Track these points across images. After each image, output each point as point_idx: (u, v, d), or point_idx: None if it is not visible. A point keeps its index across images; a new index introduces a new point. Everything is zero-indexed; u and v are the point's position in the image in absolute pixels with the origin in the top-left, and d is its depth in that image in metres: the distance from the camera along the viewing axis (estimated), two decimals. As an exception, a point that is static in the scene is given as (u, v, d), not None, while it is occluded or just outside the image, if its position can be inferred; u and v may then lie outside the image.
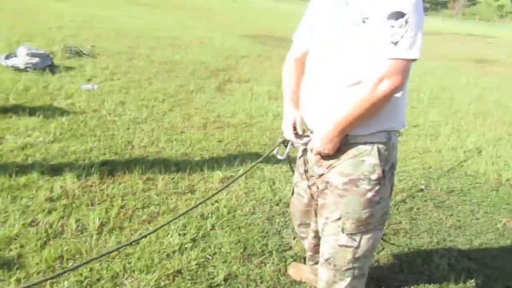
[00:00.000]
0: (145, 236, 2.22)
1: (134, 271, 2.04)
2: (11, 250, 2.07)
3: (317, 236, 1.73)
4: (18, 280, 1.88)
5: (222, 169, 3.20)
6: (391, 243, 2.46)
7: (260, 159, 1.67)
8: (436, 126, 4.85)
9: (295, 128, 1.61)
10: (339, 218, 1.50)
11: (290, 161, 1.92)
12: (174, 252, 2.21)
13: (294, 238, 2.42)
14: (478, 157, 4.00)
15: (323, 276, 1.62)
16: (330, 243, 1.55)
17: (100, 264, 2.05)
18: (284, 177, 3.16)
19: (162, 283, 1.98)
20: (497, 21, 46.66)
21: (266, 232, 2.48)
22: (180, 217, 2.45)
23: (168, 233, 2.34)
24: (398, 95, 1.39)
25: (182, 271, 2.08)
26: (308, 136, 1.57)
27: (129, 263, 2.08)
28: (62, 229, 2.29)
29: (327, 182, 1.52)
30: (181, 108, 4.50)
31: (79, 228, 2.31)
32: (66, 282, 1.89)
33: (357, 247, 1.52)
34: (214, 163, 3.29)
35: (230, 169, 3.20)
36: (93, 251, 2.14)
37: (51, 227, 2.28)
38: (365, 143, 1.44)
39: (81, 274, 1.95)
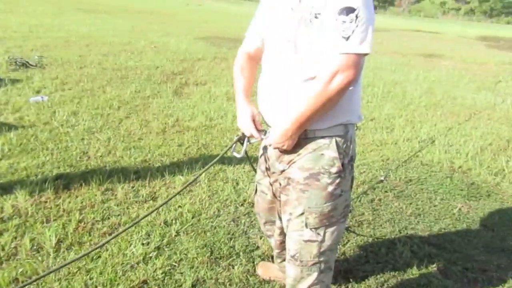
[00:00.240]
0: (100, 247, 2.13)
1: (96, 286, 1.95)
2: (-41, 276, 1.93)
3: (282, 233, 1.73)
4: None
5: (183, 173, 3.14)
6: (358, 234, 2.51)
7: (216, 159, 1.64)
8: (391, 119, 5.01)
9: (255, 123, 1.58)
10: (302, 213, 1.50)
11: (249, 158, 1.90)
12: (138, 262, 2.14)
13: (261, 238, 2.41)
14: (431, 147, 4.17)
15: (290, 273, 1.62)
16: (295, 239, 1.55)
17: (60, 283, 1.94)
18: (247, 177, 3.15)
19: (127, 296, 1.91)
20: (440, 17, 49.06)
21: (233, 234, 2.45)
22: (137, 223, 2.39)
23: (131, 243, 2.26)
24: (353, 88, 1.41)
25: (148, 281, 2.02)
26: (265, 131, 1.56)
27: (91, 278, 1.99)
28: (16, 250, 2.15)
29: (289, 178, 1.53)
30: (138, 115, 4.39)
31: (35, 247, 2.18)
32: (22, 305, 1.78)
33: (322, 241, 1.53)
34: (175, 168, 3.23)
35: (192, 173, 3.15)
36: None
37: (3, 249, 2.14)
38: (323, 137, 1.45)
39: (38, 295, 1.84)
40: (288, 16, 1.40)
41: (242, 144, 1.61)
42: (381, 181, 3.31)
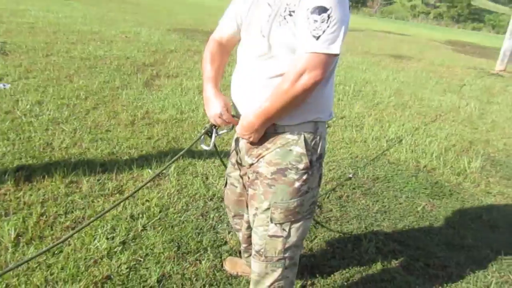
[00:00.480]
0: (63, 241, 2.07)
1: (57, 282, 1.88)
2: None
3: (250, 227, 1.72)
4: None
5: (152, 167, 3.08)
6: (327, 227, 2.54)
7: (183, 151, 1.61)
8: (360, 118, 5.10)
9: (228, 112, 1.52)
10: (268, 208, 1.50)
11: (218, 150, 1.88)
12: (102, 257, 2.08)
13: (229, 233, 2.40)
14: (399, 146, 4.28)
15: (255, 268, 1.62)
16: (260, 234, 1.55)
17: (18, 279, 1.87)
18: (217, 172, 3.13)
19: (90, 292, 1.85)
20: (411, 20, 50.32)
21: (201, 229, 2.43)
22: (102, 216, 2.32)
23: (95, 238, 2.20)
24: (325, 87, 1.42)
25: (112, 276, 1.97)
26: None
27: (51, 274, 1.92)
28: (-29, 244, 2.05)
29: (257, 172, 1.52)
30: (106, 106, 4.27)
31: (-8, 240, 2.09)
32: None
33: (287, 236, 1.53)
34: (144, 161, 3.16)
35: (161, 167, 3.09)
36: (9, 266, 1.94)
37: (-43, 242, 2.04)
38: (292, 133, 1.45)
39: (-6, 291, 1.76)
40: (265, 11, 1.39)
41: (210, 136, 1.59)
42: (350, 178, 3.36)
